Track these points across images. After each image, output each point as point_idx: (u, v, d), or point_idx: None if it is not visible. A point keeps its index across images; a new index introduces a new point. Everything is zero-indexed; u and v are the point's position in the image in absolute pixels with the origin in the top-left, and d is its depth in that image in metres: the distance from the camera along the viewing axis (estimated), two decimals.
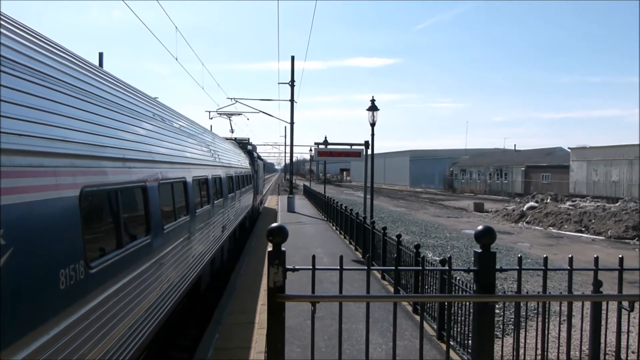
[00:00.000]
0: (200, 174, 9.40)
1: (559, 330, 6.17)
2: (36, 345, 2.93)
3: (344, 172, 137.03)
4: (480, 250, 3.39)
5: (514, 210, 36.90)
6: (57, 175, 3.35)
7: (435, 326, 7.30)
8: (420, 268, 4.44)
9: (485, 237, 3.38)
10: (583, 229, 29.04)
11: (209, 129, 17.12)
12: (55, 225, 3.24)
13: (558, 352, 5.55)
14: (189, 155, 8.65)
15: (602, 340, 4.29)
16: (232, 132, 35.22)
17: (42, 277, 3.05)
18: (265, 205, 39.48)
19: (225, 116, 34.44)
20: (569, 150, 57.59)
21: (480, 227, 3.42)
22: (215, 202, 11.08)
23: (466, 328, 6.10)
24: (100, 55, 25.07)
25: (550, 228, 30.70)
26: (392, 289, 10.19)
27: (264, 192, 46.99)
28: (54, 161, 3.35)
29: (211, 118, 34.19)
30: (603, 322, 4.28)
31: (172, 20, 16.60)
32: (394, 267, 4.68)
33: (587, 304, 4.84)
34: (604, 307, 4.31)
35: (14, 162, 2.87)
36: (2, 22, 3.39)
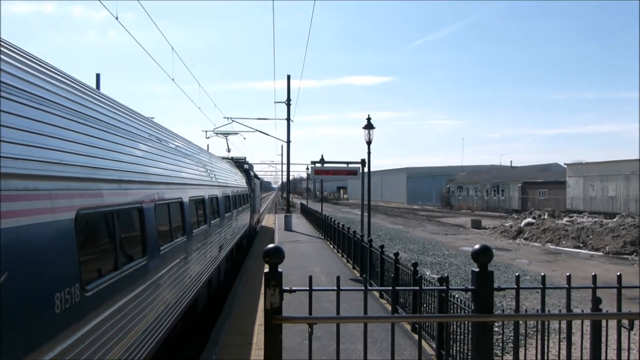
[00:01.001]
0: (197, 194, 9.39)
1: (559, 348, 6.12)
2: None
3: (341, 190, 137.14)
4: (477, 270, 3.39)
5: (511, 227, 36.89)
6: (53, 199, 3.34)
7: (434, 345, 7.24)
8: (418, 288, 4.41)
9: (482, 255, 3.38)
10: (581, 245, 29.02)
11: (206, 149, 17.18)
12: (50, 249, 3.22)
13: None
14: (186, 176, 8.65)
15: (603, 358, 4.27)
16: (229, 152, 35.42)
17: (37, 302, 3.03)
18: (263, 224, 39.38)
19: (221, 135, 34.61)
20: (565, 166, 57.81)
21: (477, 246, 3.42)
22: (212, 222, 11.05)
23: (465, 347, 6.04)
24: (98, 76, 25.23)
25: (548, 244, 30.68)
26: (390, 307, 10.12)
27: (261, 211, 46.90)
28: (50, 184, 3.35)
29: (208, 137, 34.40)
30: (603, 340, 4.26)
31: (169, 41, 16.76)
32: (391, 288, 4.65)
33: (587, 321, 4.81)
34: (603, 324, 4.29)
35: (9, 186, 2.86)
36: (0, 48, 3.42)
